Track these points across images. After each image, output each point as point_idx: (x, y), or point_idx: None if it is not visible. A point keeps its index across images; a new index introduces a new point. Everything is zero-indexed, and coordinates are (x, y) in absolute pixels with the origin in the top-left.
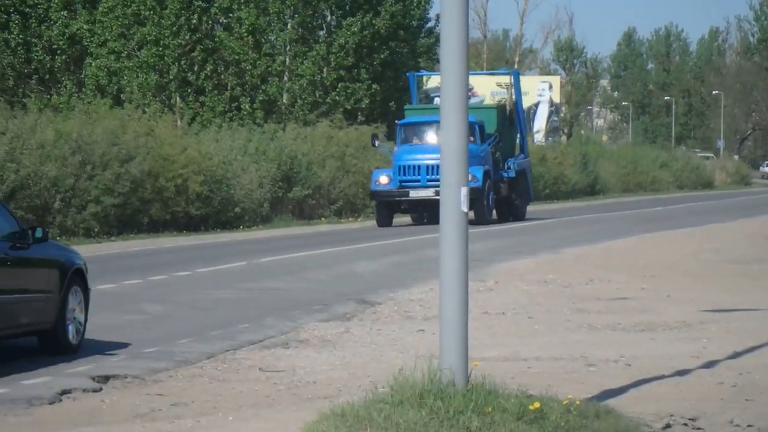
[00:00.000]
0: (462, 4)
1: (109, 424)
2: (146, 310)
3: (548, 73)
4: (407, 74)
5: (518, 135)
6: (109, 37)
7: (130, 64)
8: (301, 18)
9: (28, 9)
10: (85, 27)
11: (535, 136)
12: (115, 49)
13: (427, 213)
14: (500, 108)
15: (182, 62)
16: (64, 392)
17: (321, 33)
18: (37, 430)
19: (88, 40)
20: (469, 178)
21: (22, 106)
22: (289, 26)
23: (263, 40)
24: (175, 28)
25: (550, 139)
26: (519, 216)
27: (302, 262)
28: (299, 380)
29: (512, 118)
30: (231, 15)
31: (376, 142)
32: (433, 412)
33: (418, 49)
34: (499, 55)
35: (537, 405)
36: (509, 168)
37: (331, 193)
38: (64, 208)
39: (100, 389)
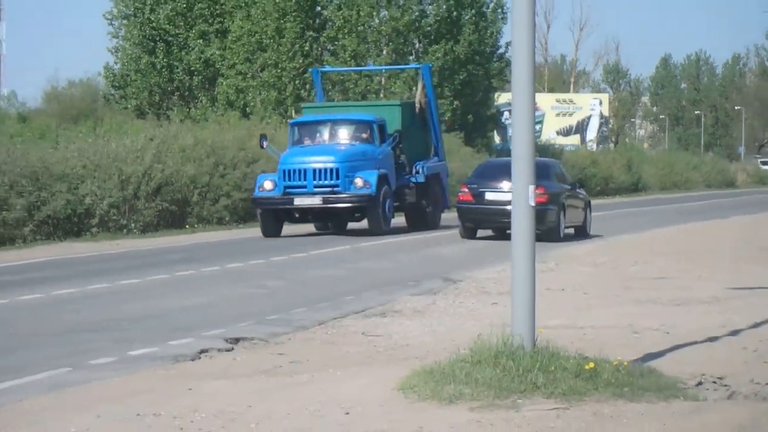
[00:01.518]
0: (530, 34)
1: (240, 377)
2: (268, 285)
3: (599, 92)
4: (311, 70)
5: (431, 136)
6: (236, 61)
7: (254, 83)
8: (394, 45)
9: (170, 38)
10: (217, 52)
11: (588, 144)
12: (242, 70)
13: (333, 221)
14: (406, 106)
15: (296, 81)
16: (202, 351)
17: (410, 57)
18: (182, 381)
19: (219, 63)
20: (360, 184)
21: (166, 118)
22: (384, 52)
23: (363, 64)
24: (291, 54)
25: (600, 146)
26: (431, 224)
27: (395, 246)
28: (395, 343)
29: (423, 117)
30: (336, 42)
31: (264, 143)
32: (506, 370)
33: (491, 71)
34: (558, 76)
35: (592, 365)
36: (418, 172)
37: None
38: (200, 201)
39: (232, 349)
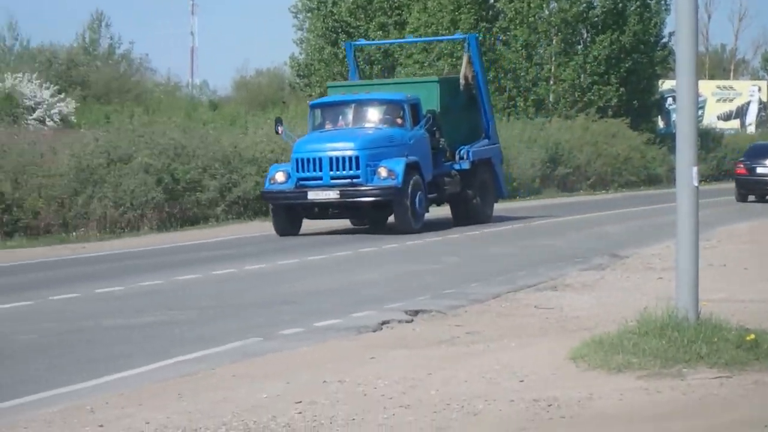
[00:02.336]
0: (692, 24)
1: (419, 347)
2: (444, 261)
3: (757, 79)
4: (345, 44)
5: (481, 116)
6: (413, 51)
7: (431, 71)
8: (563, 35)
9: (351, 29)
10: (395, 43)
11: (748, 128)
12: (419, 60)
13: (369, 216)
14: (446, 82)
15: None
16: (384, 323)
17: (579, 47)
18: (365, 350)
19: (398, 53)
20: (383, 174)
21: None
22: (554, 42)
23: (533, 53)
24: (466, 43)
25: (759, 129)
26: (479, 217)
27: (565, 224)
28: (565, 316)
29: (471, 94)
30: (508, 33)
31: (280, 129)
32: (671, 341)
33: (655, 59)
34: (718, 65)
35: (752, 336)
36: (462, 158)
37: (587, 171)
38: None
39: (412, 321)
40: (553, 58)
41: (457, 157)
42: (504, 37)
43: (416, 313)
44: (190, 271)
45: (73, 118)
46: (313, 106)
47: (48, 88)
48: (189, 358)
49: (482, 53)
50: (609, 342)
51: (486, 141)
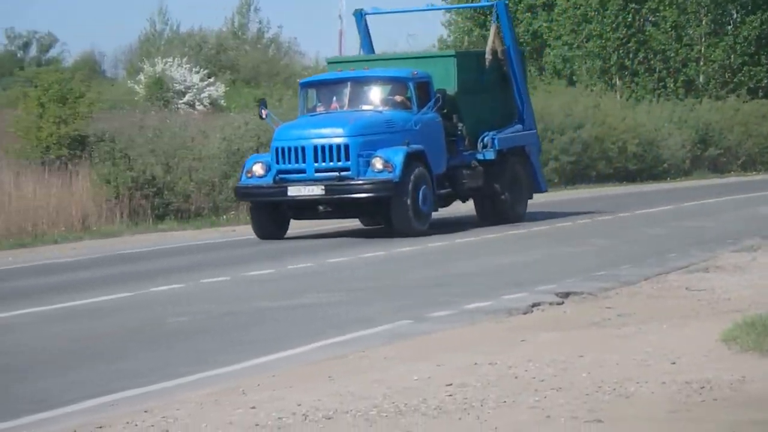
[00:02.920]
0: None
1: (570, 329)
2: (594, 243)
3: None
4: (354, 14)
5: (514, 96)
6: (562, 32)
7: (580, 53)
8: (713, 16)
9: None
10: (544, 25)
11: None
12: (568, 41)
13: (382, 215)
14: (466, 57)
15: (620, 51)
16: (534, 305)
17: (728, 27)
18: (515, 332)
19: (546, 34)
20: (378, 166)
21: None
22: (703, 22)
23: (683, 34)
24: (614, 25)
25: None
26: (508, 216)
27: (716, 206)
28: (717, 298)
29: (501, 71)
30: (657, 14)
31: (264, 112)
32: None
33: None
34: None
35: None
36: (485, 146)
37: (738, 152)
38: None
39: (562, 303)
40: (703, 39)
41: (479, 146)
42: (653, 18)
43: (567, 295)
44: (339, 254)
45: (222, 101)
46: (303, 85)
47: (197, 73)
48: (340, 341)
49: (514, 23)
50: (762, 324)
51: (519, 126)
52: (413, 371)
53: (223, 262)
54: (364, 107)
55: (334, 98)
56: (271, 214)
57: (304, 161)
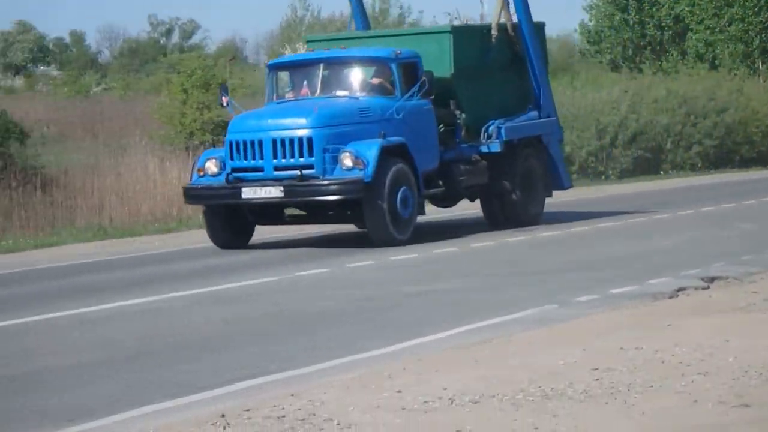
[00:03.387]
0: None
1: (715, 314)
2: (741, 227)
3: None
4: None
5: (530, 79)
6: (705, 16)
7: (722, 37)
8: None
9: None
10: (686, 8)
11: None
12: (710, 25)
13: (335, 219)
14: (464, 33)
15: (763, 35)
16: (680, 289)
17: None
18: (661, 317)
19: (689, 18)
20: (347, 163)
21: (639, 71)
22: None
23: None
24: (756, 9)
25: None
26: (519, 218)
27: None
28: None
29: (513, 49)
30: None
31: (224, 99)
32: None
33: None
34: None
35: None
36: (490, 137)
37: None
38: (673, 149)
39: (708, 287)
40: None
41: (483, 137)
42: None
43: (712, 279)
44: (483, 238)
45: None
46: (271, 68)
47: None
48: (485, 325)
49: (655, 6)
50: None
51: (534, 114)
52: (559, 356)
53: (366, 247)
54: (339, 93)
55: (305, 83)
56: (229, 219)
57: (261, 157)
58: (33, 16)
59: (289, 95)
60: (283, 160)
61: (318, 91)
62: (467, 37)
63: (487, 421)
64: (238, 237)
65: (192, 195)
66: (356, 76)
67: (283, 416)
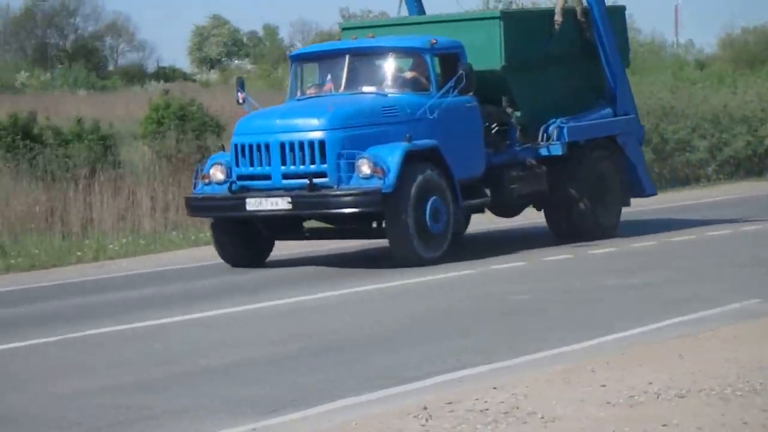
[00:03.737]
0: None
1: None
2: None
3: None
4: None
5: (605, 72)
6: None
7: None
8: None
9: None
10: None
11: None
12: None
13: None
14: (518, 20)
15: None
16: None
17: None
18: None
19: None
20: (365, 170)
21: None
22: None
23: None
24: None
25: None
26: (589, 230)
27: None
28: None
29: (583, 37)
30: None
31: (240, 96)
32: None
33: None
34: None
35: None
36: (551, 138)
37: None
38: None
39: None
40: None
41: (541, 138)
42: None
43: None
44: (683, 233)
45: None
46: (294, 59)
47: None
48: (687, 319)
49: None
50: None
51: (607, 111)
52: (766, 350)
53: (568, 240)
54: (365, 89)
55: (329, 77)
56: (239, 233)
57: (269, 163)
58: (227, 11)
59: (311, 91)
60: (293, 167)
61: (342, 86)
62: (521, 24)
63: (694, 416)
64: (252, 253)
65: (193, 206)
66: (386, 69)
67: (486, 409)
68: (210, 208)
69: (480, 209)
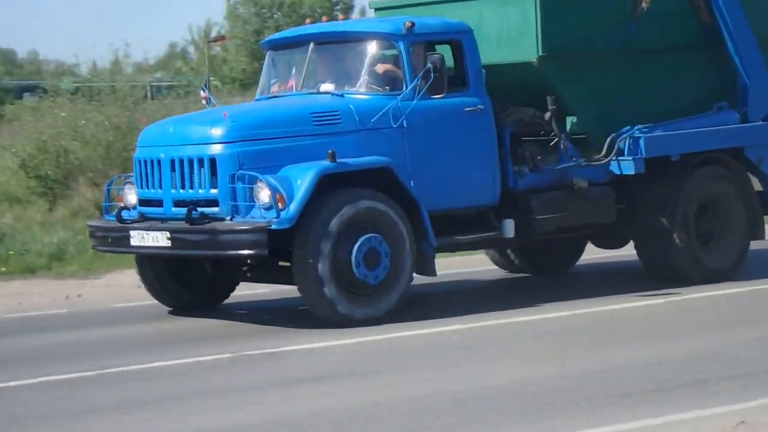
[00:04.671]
0: None
1: None
2: None
3: None
4: None
5: (734, 62)
6: None
7: None
8: None
9: None
10: None
11: None
12: None
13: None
14: None
15: None
16: None
17: None
18: None
19: None
20: (264, 198)
21: None
22: None
23: None
24: None
25: None
26: (685, 270)
27: None
28: None
29: (699, 19)
30: None
31: (203, 93)
32: None
33: None
34: None
35: None
36: (621, 151)
37: None
38: None
39: None
40: None
41: (607, 152)
42: None
43: None
44: None
45: None
46: (264, 48)
47: None
48: None
49: None
50: None
51: (730, 116)
52: None
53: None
54: (323, 87)
55: (294, 70)
56: (162, 272)
57: (161, 186)
58: None
59: (274, 89)
60: (182, 191)
61: (301, 83)
62: (572, 3)
63: None
64: (195, 292)
65: (90, 236)
66: (349, 62)
67: None
68: (100, 239)
69: (486, 245)
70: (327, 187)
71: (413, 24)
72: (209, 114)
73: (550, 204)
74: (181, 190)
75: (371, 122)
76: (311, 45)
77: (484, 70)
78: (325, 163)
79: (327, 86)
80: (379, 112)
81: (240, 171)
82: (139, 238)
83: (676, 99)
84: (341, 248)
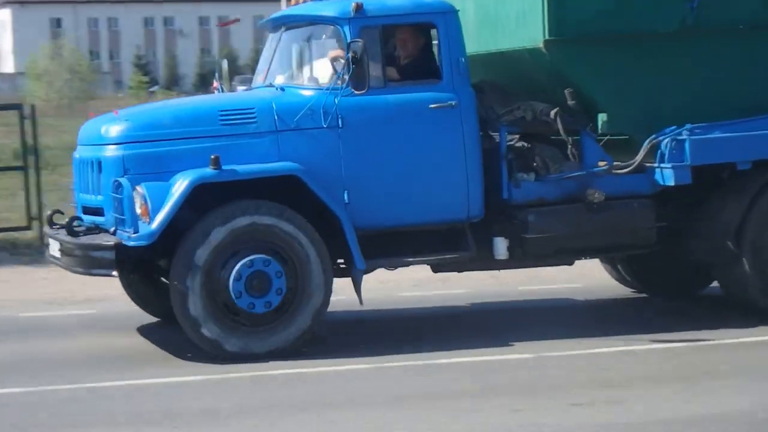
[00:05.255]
0: None
1: None
2: None
3: None
4: None
5: None
6: None
7: None
8: None
9: None
10: None
11: None
12: None
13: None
14: None
15: None
16: None
17: None
18: None
19: None
20: (138, 210)
21: None
22: None
23: None
24: None
25: None
26: (758, 301)
27: None
28: None
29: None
30: None
31: (215, 83)
32: None
33: None
34: None
35: None
36: (663, 157)
37: None
38: None
39: None
40: None
41: (650, 156)
42: None
43: None
44: None
45: None
46: (263, 27)
47: None
48: None
49: None
50: None
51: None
52: None
53: None
54: (277, 79)
55: (273, 57)
56: (148, 280)
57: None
58: None
59: (258, 79)
60: (84, 197)
61: (265, 74)
62: None
63: None
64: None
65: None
66: (298, 49)
67: None
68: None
69: (454, 268)
70: (226, 198)
71: (361, 5)
72: (108, 113)
73: (549, 220)
74: (84, 196)
75: (294, 121)
76: (282, 30)
77: (465, 59)
78: (204, 170)
79: (280, 78)
80: (303, 110)
81: (125, 176)
82: (54, 245)
83: (745, 93)
84: (218, 271)
